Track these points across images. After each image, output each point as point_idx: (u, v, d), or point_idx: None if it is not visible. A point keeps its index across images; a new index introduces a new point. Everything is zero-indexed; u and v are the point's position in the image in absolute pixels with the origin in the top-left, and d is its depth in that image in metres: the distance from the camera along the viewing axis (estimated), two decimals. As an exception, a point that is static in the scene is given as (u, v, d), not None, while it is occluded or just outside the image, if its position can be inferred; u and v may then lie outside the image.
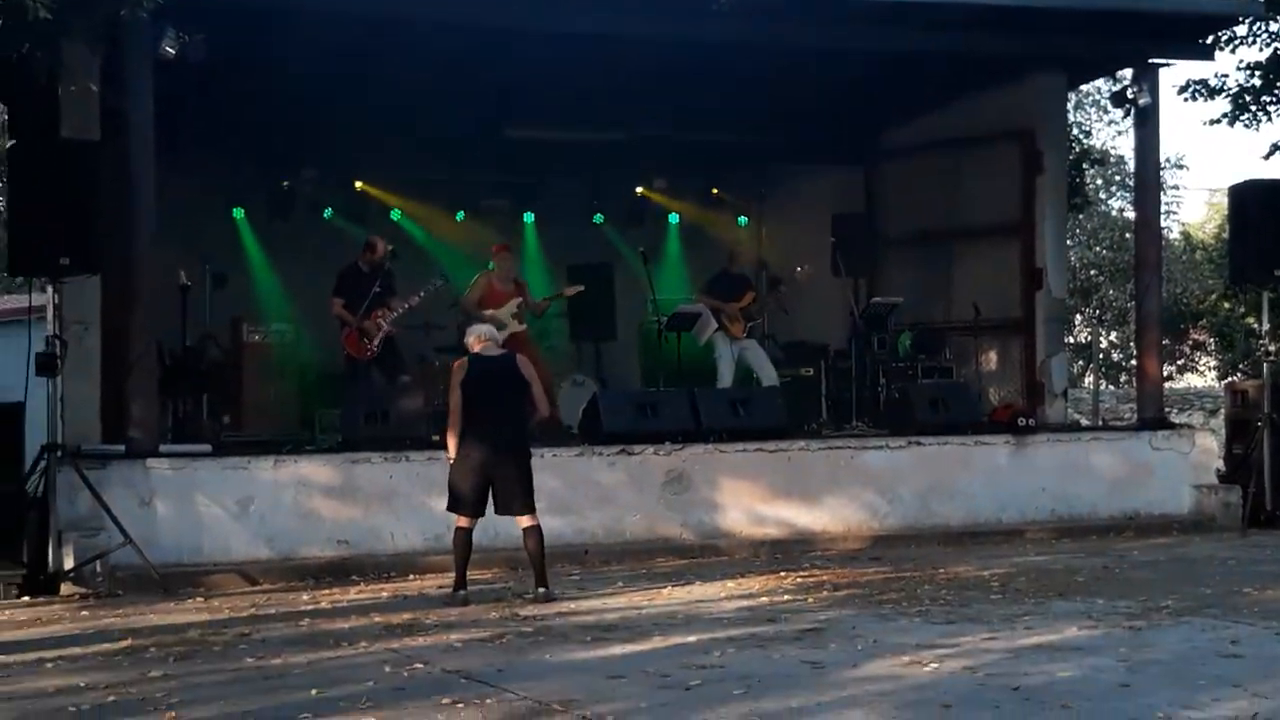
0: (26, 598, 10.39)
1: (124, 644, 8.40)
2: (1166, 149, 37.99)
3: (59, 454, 10.69)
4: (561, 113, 16.33)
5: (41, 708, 6.81)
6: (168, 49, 11.39)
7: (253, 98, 14.85)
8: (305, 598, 10.33)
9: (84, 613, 9.79)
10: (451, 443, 9.89)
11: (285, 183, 16.81)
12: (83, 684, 7.29)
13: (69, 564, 10.51)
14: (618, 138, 17.21)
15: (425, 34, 13.21)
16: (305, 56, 13.80)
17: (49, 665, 7.83)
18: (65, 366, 10.96)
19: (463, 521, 9.91)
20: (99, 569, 10.54)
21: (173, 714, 6.57)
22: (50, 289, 11.23)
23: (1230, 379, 25.15)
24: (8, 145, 11.97)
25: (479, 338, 10.26)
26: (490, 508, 9.95)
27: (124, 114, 11.60)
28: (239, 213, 16.88)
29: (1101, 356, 33.89)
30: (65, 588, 10.49)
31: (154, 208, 11.69)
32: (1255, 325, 15.93)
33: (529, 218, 18.09)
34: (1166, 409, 16.23)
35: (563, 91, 15.46)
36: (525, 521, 9.88)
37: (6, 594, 10.46)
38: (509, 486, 9.86)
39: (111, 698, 6.97)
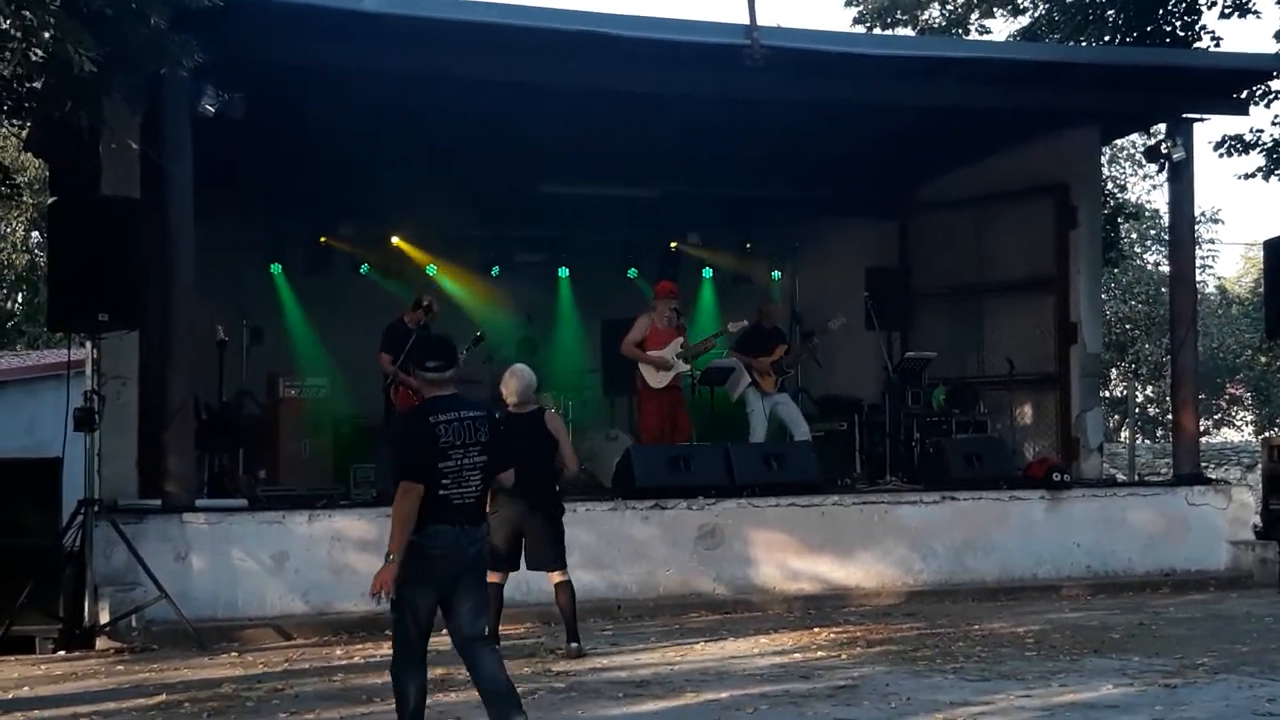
0: (62, 652, 10.43)
1: (159, 699, 8.42)
2: (1202, 203, 38.11)
3: (95, 508, 10.74)
4: (595, 169, 16.43)
5: (76, 762, 6.84)
6: (207, 107, 11.58)
7: (290, 154, 14.98)
8: (339, 652, 10.34)
9: (119, 667, 9.82)
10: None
11: (322, 238, 16.97)
12: (117, 739, 7.33)
13: (105, 618, 10.56)
14: (651, 193, 17.29)
15: (460, 91, 13.31)
16: (342, 114, 13.99)
17: (84, 720, 7.87)
18: (103, 421, 11.04)
19: (494, 576, 9.82)
20: (134, 623, 10.61)
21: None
22: (89, 344, 11.28)
23: (1267, 433, 25.05)
24: (49, 202, 12.07)
25: (512, 391, 9.96)
26: (523, 563, 9.95)
27: (163, 171, 11.72)
28: (276, 268, 17.03)
29: (1137, 411, 33.76)
30: (101, 642, 10.53)
31: (192, 263, 11.77)
32: (1292, 380, 15.84)
33: (563, 272, 18.26)
34: (1203, 464, 16.16)
35: (596, 148, 15.56)
36: (556, 577, 9.88)
37: (43, 648, 10.51)
38: (539, 542, 9.85)
39: (146, 753, 7.01)
